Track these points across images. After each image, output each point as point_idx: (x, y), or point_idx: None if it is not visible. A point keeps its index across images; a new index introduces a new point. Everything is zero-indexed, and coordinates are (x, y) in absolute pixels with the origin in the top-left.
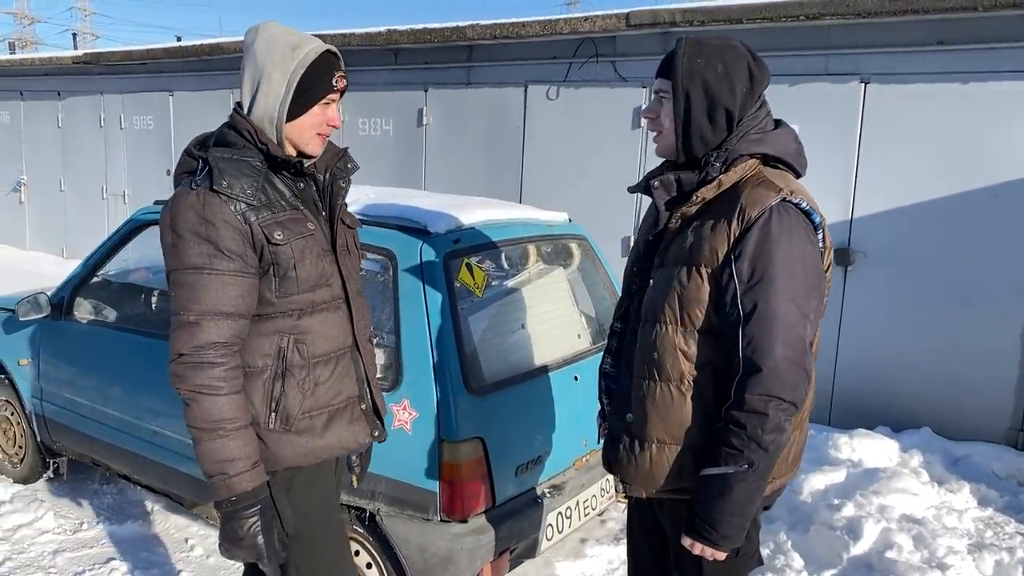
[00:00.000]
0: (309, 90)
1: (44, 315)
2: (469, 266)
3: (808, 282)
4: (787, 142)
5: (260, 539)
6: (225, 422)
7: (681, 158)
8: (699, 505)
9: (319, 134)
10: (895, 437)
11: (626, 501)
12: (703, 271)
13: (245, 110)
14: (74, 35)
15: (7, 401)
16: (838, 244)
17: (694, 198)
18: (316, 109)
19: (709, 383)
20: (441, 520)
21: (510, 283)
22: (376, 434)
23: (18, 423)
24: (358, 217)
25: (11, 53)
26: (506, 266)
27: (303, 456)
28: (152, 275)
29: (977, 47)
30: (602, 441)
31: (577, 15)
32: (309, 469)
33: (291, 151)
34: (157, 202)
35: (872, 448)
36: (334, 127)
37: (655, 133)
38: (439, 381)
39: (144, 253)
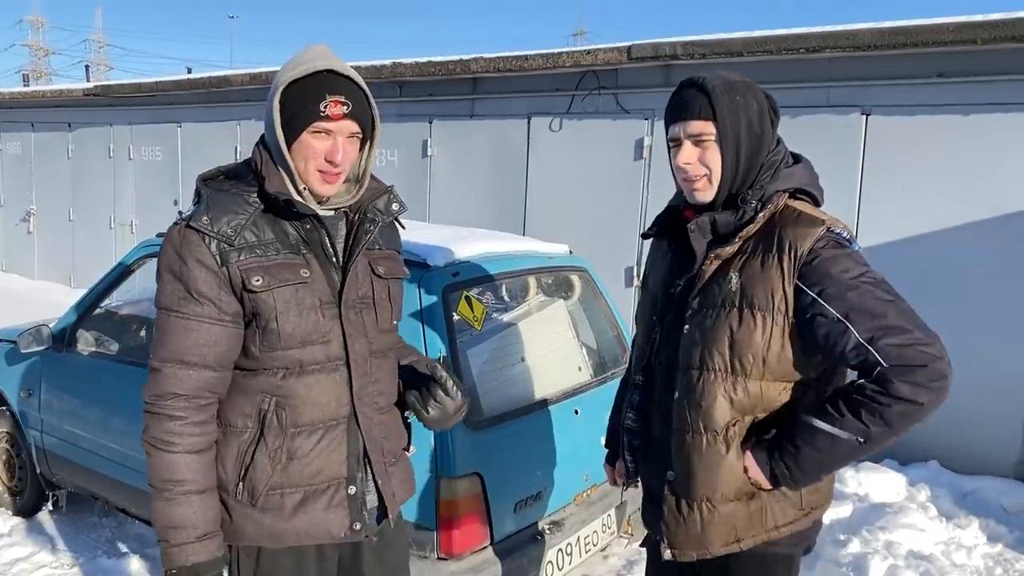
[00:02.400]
0: (294, 115)
1: (45, 347)
2: (468, 299)
3: (889, 286)
4: (810, 174)
5: None
6: (173, 483)
7: (720, 201)
8: (791, 443)
9: (319, 170)
10: (902, 471)
11: (630, 536)
12: (756, 315)
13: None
14: (87, 67)
15: (8, 433)
16: None
17: (737, 239)
18: (307, 138)
19: (743, 433)
20: (438, 558)
21: (510, 316)
22: (357, 527)
23: (18, 455)
24: None
25: (25, 85)
26: (506, 298)
27: (266, 537)
28: (154, 307)
29: (977, 80)
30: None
31: (579, 48)
32: (283, 551)
33: (302, 188)
34: (159, 235)
35: (879, 482)
36: (332, 162)
37: (697, 180)
38: None
39: (147, 285)
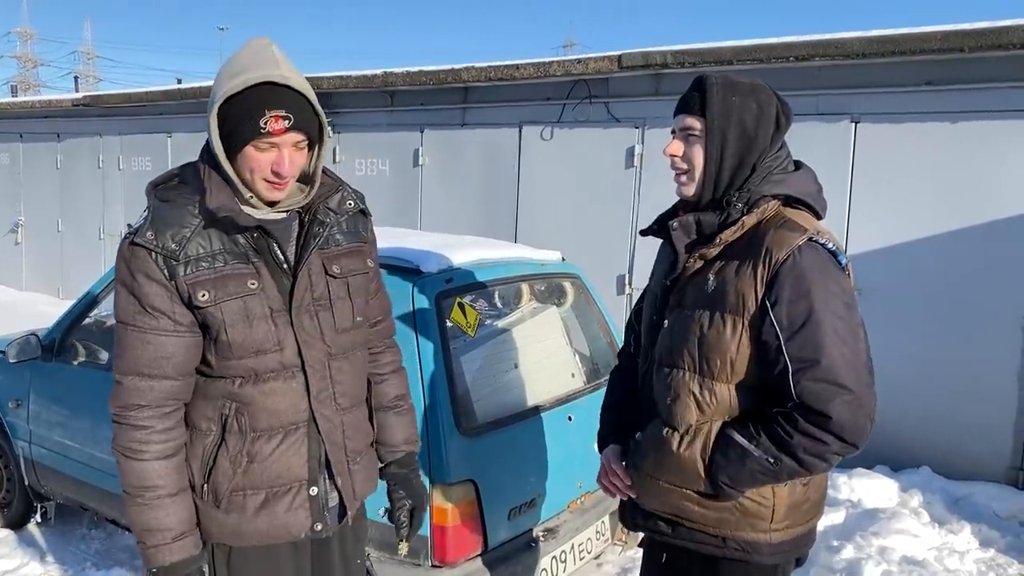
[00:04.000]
0: (234, 130)
1: (34, 357)
2: (461, 305)
3: (853, 319)
4: (808, 183)
5: None
6: (145, 489)
7: (705, 199)
8: (716, 452)
9: (266, 180)
10: (894, 476)
11: (624, 544)
12: (727, 317)
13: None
14: (76, 78)
15: None
16: None
17: (717, 241)
18: (250, 152)
19: (704, 439)
20: (432, 565)
21: (503, 322)
22: (318, 527)
23: (6, 466)
24: None
25: (13, 96)
26: (499, 305)
27: (229, 536)
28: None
29: (964, 87)
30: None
31: (570, 57)
32: (251, 549)
33: (245, 189)
34: None
35: (871, 488)
36: (278, 173)
37: (679, 173)
38: (430, 422)
39: None
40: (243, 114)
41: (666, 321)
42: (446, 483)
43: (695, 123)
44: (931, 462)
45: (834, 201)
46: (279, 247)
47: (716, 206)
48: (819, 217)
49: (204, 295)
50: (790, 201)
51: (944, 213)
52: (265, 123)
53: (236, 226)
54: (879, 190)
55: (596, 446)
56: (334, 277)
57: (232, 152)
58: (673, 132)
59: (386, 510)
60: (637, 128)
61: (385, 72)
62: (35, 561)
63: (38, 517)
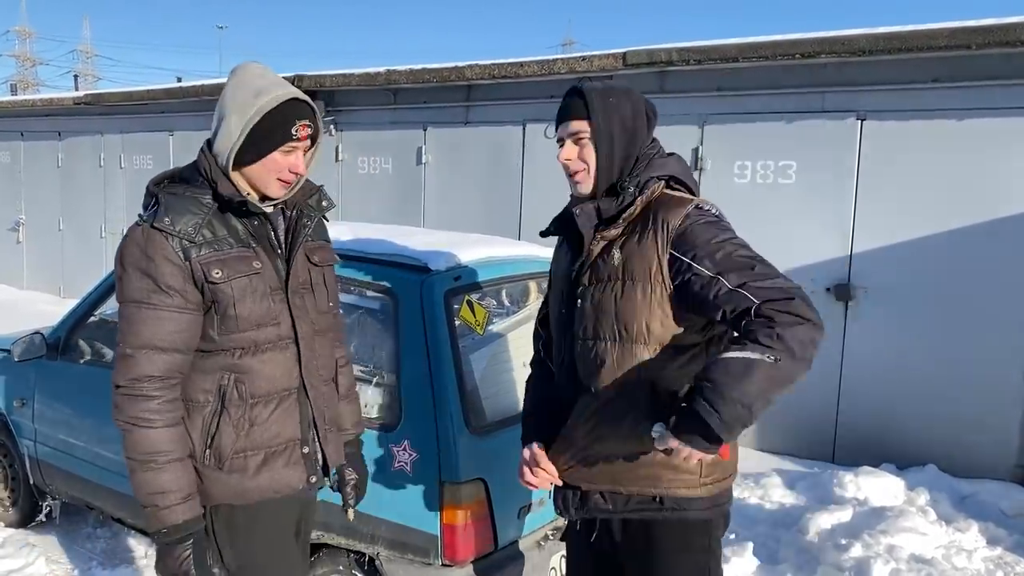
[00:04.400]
0: (264, 139)
1: (39, 355)
2: (470, 303)
3: (755, 252)
4: (683, 166)
5: (191, 571)
6: (157, 454)
7: (600, 192)
8: (705, 383)
9: (280, 179)
10: (901, 475)
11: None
12: (636, 284)
13: (211, 147)
14: (75, 77)
15: (1, 443)
16: (837, 280)
17: (620, 220)
18: (276, 156)
19: (645, 398)
20: (442, 564)
21: (511, 320)
22: (312, 480)
23: (11, 465)
24: (354, 254)
25: (13, 94)
26: (507, 303)
27: (233, 495)
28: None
29: (971, 84)
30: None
31: (575, 55)
32: (254, 505)
33: (248, 190)
34: None
35: (878, 486)
36: (297, 173)
37: (576, 173)
38: (440, 421)
39: None
40: (275, 124)
41: (579, 301)
42: (456, 482)
43: (583, 126)
44: (937, 460)
45: (839, 197)
46: (275, 233)
47: (610, 193)
48: (694, 195)
49: (218, 272)
50: (670, 183)
51: (950, 211)
52: (296, 131)
53: (245, 211)
54: (885, 188)
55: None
56: (315, 265)
57: (254, 158)
58: (560, 140)
59: (333, 482)
60: None
61: (388, 70)
62: (40, 560)
63: (43, 516)
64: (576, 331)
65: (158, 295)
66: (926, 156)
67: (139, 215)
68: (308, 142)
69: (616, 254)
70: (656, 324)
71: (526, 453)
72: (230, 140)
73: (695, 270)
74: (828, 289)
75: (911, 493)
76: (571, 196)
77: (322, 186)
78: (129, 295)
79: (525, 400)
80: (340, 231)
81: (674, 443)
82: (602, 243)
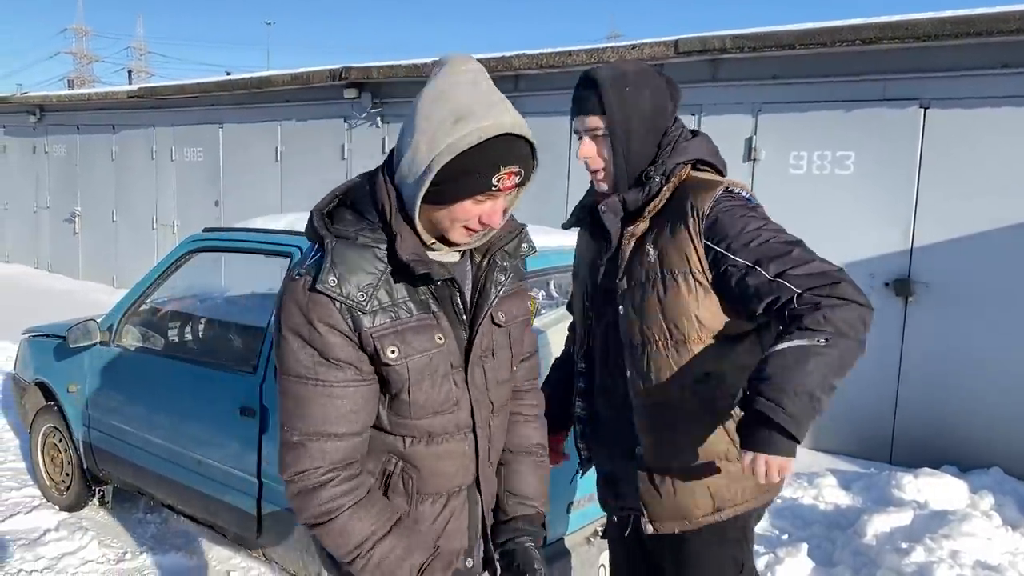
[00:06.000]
0: (455, 182)
1: (93, 342)
2: None
3: (791, 236)
4: (709, 146)
5: None
6: (363, 543)
7: (623, 186)
8: (763, 382)
9: (467, 227)
10: (963, 477)
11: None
12: (677, 278)
13: (396, 163)
14: (129, 72)
15: (55, 428)
16: (897, 275)
17: (646, 213)
18: (467, 205)
19: (714, 395)
20: None
21: (559, 311)
22: None
23: (65, 450)
24: None
25: (69, 90)
26: (555, 293)
27: None
28: (200, 303)
29: None
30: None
31: (624, 43)
32: None
33: (427, 235)
34: (206, 229)
35: (939, 489)
36: (488, 226)
37: (596, 171)
38: None
39: (193, 281)
40: (472, 168)
41: (620, 307)
42: None
43: (598, 122)
44: (1002, 462)
45: (900, 189)
46: (461, 296)
47: (636, 184)
48: (722, 175)
49: (394, 351)
50: (697, 165)
51: (1018, 203)
52: (498, 180)
53: (426, 278)
54: (949, 179)
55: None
56: (499, 326)
57: (439, 200)
58: (578, 133)
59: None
60: (693, 115)
61: (435, 61)
62: (93, 543)
63: (96, 501)
64: (623, 338)
65: (326, 369)
66: (993, 146)
67: (299, 268)
68: (512, 189)
69: (650, 251)
70: (706, 314)
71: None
72: (416, 173)
73: (731, 261)
74: (887, 284)
75: (974, 496)
76: (587, 191)
77: (524, 226)
78: (291, 367)
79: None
80: None
81: (748, 459)
82: (633, 241)
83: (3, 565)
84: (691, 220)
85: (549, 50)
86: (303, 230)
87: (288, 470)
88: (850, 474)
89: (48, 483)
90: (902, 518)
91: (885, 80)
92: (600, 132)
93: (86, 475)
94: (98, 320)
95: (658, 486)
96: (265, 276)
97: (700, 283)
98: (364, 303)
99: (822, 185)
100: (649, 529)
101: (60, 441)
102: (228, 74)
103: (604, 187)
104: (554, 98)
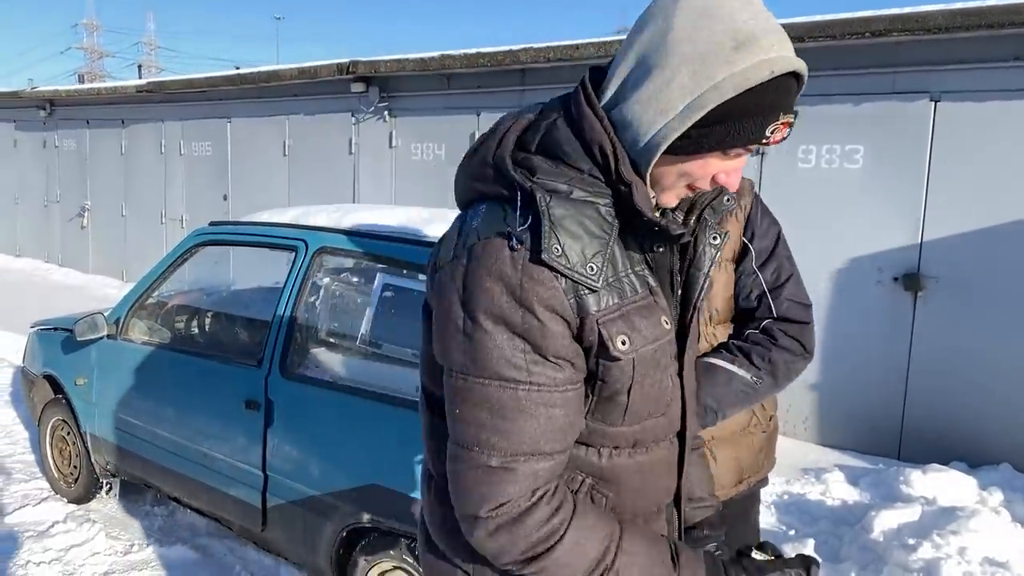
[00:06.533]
0: (719, 126)
1: (100, 335)
2: None
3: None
4: None
5: None
6: (599, 564)
7: None
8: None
9: (691, 187)
10: (972, 473)
11: None
12: (722, 266)
13: (604, 100)
14: (139, 67)
15: (63, 421)
16: (906, 269)
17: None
18: (714, 158)
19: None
20: None
21: None
22: None
23: (73, 443)
24: (405, 237)
25: (80, 84)
26: None
27: None
28: (206, 296)
29: None
30: None
31: None
32: None
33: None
34: (212, 223)
35: (947, 484)
36: (726, 187)
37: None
38: None
39: (199, 274)
40: (750, 111)
41: None
42: None
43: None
44: (1012, 459)
45: (910, 182)
46: (681, 266)
47: None
48: None
49: (624, 341)
50: None
51: None
52: (772, 131)
53: (665, 238)
54: (959, 173)
55: None
56: (696, 309)
57: (687, 150)
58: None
59: None
60: None
61: (442, 55)
62: (100, 535)
63: (103, 493)
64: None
65: (543, 368)
66: (1004, 139)
67: (509, 235)
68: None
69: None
70: (724, 304)
71: None
72: (666, 111)
73: (749, 256)
74: (896, 279)
75: (984, 493)
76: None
77: (722, 188)
78: (492, 367)
79: None
80: (392, 216)
81: None
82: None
83: (12, 556)
84: (739, 211)
85: (556, 43)
86: (305, 224)
87: (484, 505)
88: (858, 470)
89: (56, 475)
90: (910, 514)
91: (895, 73)
92: None
93: (94, 468)
94: (105, 313)
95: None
96: (270, 269)
97: (729, 273)
98: (594, 278)
99: (831, 179)
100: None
101: (68, 434)
102: (237, 69)
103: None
104: (561, 92)
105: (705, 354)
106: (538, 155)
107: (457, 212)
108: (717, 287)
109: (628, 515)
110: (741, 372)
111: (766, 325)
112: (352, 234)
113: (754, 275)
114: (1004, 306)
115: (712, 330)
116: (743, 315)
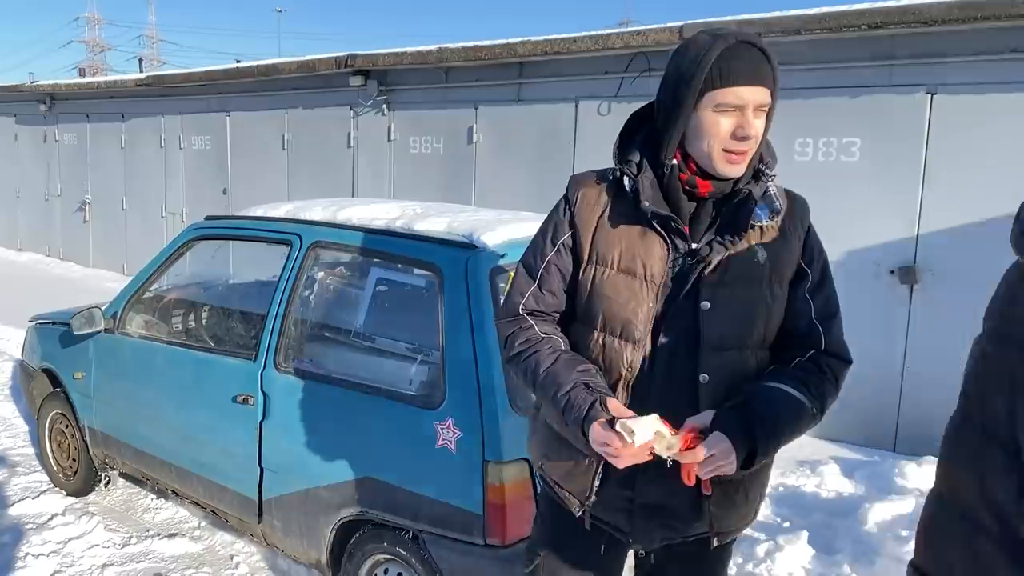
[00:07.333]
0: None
1: (97, 329)
2: None
3: None
4: None
5: None
6: None
7: (748, 177)
8: (766, 409)
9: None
10: None
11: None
12: (784, 287)
13: None
14: (140, 60)
15: (62, 414)
16: (902, 262)
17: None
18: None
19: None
20: (485, 544)
21: None
22: None
23: (72, 436)
24: (401, 231)
25: (81, 78)
26: None
27: None
28: (202, 290)
29: None
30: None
31: (629, 30)
32: None
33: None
34: (208, 217)
35: None
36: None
37: (744, 152)
38: (484, 400)
39: (195, 268)
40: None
41: (705, 303)
42: (500, 461)
43: (767, 97)
44: None
45: (906, 176)
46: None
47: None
48: None
49: None
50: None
51: None
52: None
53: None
54: (956, 167)
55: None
56: None
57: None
58: (736, 107)
59: None
60: None
61: (440, 48)
62: (99, 528)
63: (102, 486)
64: (706, 338)
65: None
66: (1001, 132)
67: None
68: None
69: (759, 251)
70: (774, 330)
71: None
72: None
73: (801, 284)
74: (892, 271)
75: None
76: (671, 175)
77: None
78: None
79: (551, 351)
80: (388, 209)
81: (714, 445)
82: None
83: (11, 549)
84: (800, 230)
85: (553, 36)
86: (299, 218)
87: None
88: (853, 462)
89: (55, 468)
90: (904, 506)
91: (892, 66)
92: (766, 109)
93: (92, 461)
94: (102, 307)
95: (732, 496)
96: (267, 264)
97: (784, 295)
98: None
99: (827, 172)
100: (715, 543)
101: (67, 427)
102: (238, 62)
103: (739, 172)
104: (558, 85)
105: (771, 380)
106: None
107: (444, 208)
108: (777, 306)
109: None
110: (808, 404)
111: (813, 355)
112: (346, 228)
113: (807, 301)
114: None
115: (751, 358)
116: (786, 340)
